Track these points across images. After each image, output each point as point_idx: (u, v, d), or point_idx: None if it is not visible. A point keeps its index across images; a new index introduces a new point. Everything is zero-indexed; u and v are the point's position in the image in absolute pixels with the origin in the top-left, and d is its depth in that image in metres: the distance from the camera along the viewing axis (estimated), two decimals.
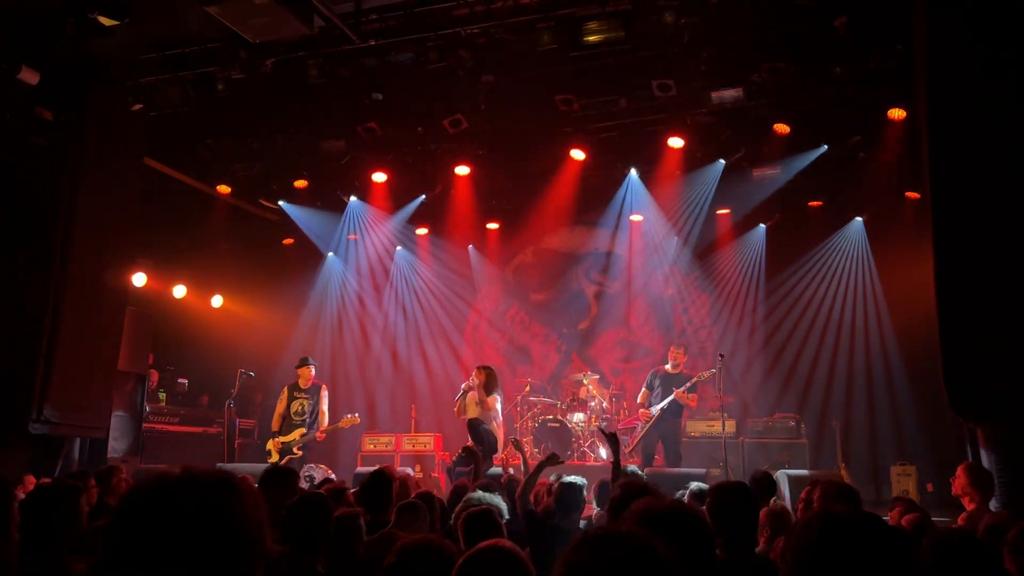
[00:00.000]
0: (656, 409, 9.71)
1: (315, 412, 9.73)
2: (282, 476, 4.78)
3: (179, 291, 12.25)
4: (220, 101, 9.31)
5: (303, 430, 9.59)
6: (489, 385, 9.03)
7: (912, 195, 10.11)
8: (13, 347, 8.61)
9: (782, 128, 9.64)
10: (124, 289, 9.85)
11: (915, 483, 9.69)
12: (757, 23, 8.53)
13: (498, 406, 9.11)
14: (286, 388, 9.97)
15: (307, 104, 10.00)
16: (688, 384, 9.59)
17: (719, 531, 3.08)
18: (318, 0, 7.16)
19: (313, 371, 9.99)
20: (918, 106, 7.37)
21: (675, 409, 9.73)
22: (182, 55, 8.95)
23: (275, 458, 9.42)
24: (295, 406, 9.75)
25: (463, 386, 9.33)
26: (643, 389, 10.15)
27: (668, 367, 9.99)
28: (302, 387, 9.85)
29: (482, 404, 8.89)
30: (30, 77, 8.61)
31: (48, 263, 8.84)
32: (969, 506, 5.26)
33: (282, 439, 9.58)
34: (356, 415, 9.91)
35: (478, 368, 9.24)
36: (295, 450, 9.49)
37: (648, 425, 9.78)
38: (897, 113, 9.02)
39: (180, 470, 1.41)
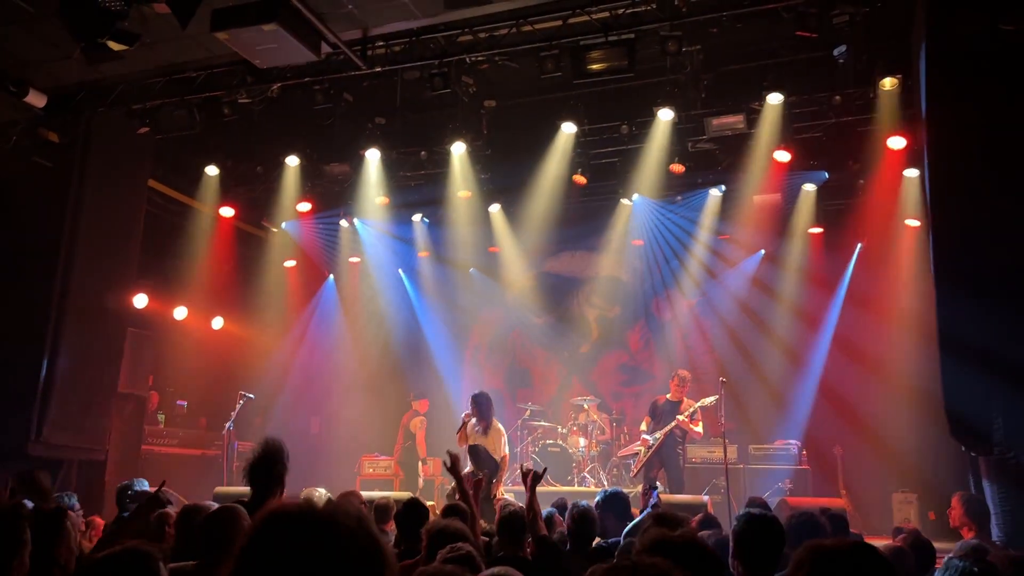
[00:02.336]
0: (653, 437, 9.73)
1: None
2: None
3: (180, 313, 12.25)
4: (226, 125, 9.40)
5: None
6: (481, 412, 8.69)
7: (912, 223, 10.16)
8: (13, 368, 8.61)
9: (782, 155, 9.71)
10: (125, 311, 9.86)
11: (917, 511, 9.64)
12: (758, 52, 8.65)
13: (500, 427, 8.89)
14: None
15: (312, 128, 10.09)
16: (689, 411, 9.58)
17: (742, 559, 3.09)
18: (326, 27, 7.25)
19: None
20: (918, 135, 7.45)
21: (677, 436, 9.71)
22: (189, 79, 9.05)
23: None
24: None
25: (463, 417, 9.20)
26: (646, 416, 10.15)
27: (669, 395, 10.01)
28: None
29: (482, 432, 8.70)
30: (37, 100, 8.72)
31: (50, 284, 8.88)
32: (967, 535, 5.25)
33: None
34: None
35: (471, 398, 9.08)
36: None
37: (649, 452, 9.77)
38: (897, 142, 9.08)
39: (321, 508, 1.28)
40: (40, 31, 7.69)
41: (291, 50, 7.01)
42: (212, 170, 10.84)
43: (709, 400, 9.64)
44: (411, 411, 11.96)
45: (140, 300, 10.93)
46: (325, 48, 7.60)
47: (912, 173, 9.66)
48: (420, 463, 11.16)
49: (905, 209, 10.12)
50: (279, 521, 1.25)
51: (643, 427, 10.14)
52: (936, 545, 4.59)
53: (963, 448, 6.51)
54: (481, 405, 8.67)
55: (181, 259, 11.78)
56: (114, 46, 6.74)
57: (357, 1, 7.33)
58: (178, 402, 12.50)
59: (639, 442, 10.05)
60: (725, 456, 9.30)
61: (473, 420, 8.68)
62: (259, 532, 1.25)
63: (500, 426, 8.75)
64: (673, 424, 9.62)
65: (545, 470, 5.59)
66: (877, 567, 1.79)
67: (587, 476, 11.09)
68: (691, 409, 9.59)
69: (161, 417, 11.78)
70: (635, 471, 10.03)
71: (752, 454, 10.80)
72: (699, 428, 9.78)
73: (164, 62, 8.62)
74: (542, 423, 11.83)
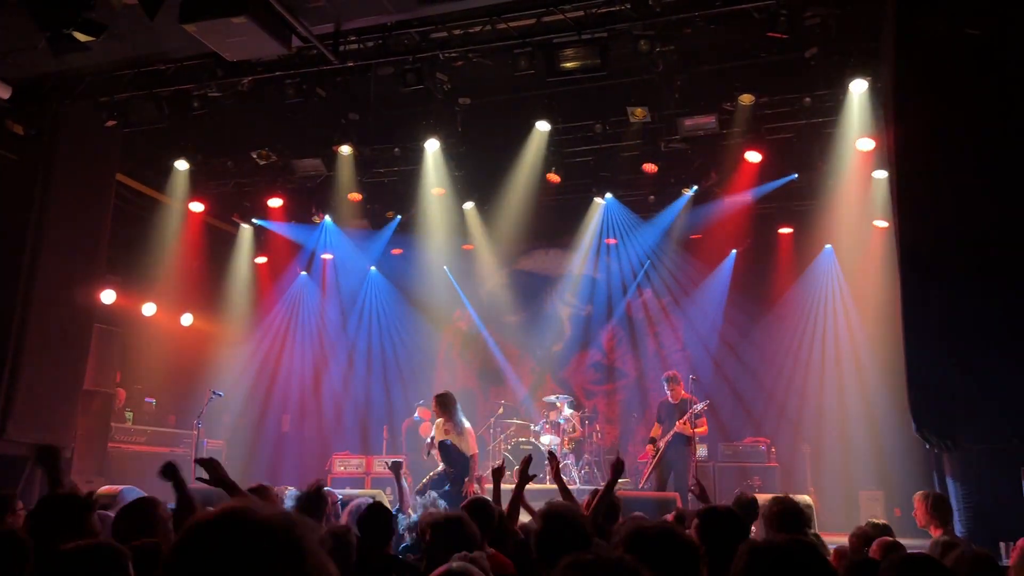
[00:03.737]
0: (656, 446, 9.94)
1: None
2: None
3: (149, 309, 12.09)
4: (195, 119, 9.28)
5: None
6: (445, 411, 8.54)
7: (880, 224, 10.30)
8: None
9: (753, 156, 9.80)
10: (92, 306, 9.71)
11: (883, 508, 9.79)
12: (730, 53, 8.71)
13: (467, 426, 8.76)
14: None
15: (283, 123, 10.00)
16: (688, 415, 9.72)
17: (707, 555, 3.11)
18: (297, 21, 7.18)
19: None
20: (887, 137, 7.55)
21: (682, 439, 9.83)
22: (158, 72, 8.91)
23: None
24: None
25: (418, 412, 9.25)
26: (655, 423, 10.32)
27: (669, 397, 10.14)
28: None
29: (454, 430, 8.57)
30: (2, 91, 8.53)
31: (15, 278, 8.71)
32: (935, 533, 5.32)
33: None
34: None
35: (435, 399, 8.75)
36: None
37: (656, 458, 9.92)
38: (865, 144, 9.20)
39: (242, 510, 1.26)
40: (5, 20, 7.53)
41: (261, 43, 6.92)
42: (182, 164, 10.72)
43: (700, 405, 9.78)
44: (414, 417, 11.90)
45: (108, 296, 10.78)
46: (296, 42, 7.52)
47: (880, 175, 9.79)
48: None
49: (873, 210, 10.26)
50: (199, 531, 1.25)
51: (652, 433, 10.29)
52: (903, 542, 4.64)
53: (927, 445, 6.61)
54: (448, 406, 8.51)
55: (150, 255, 11.63)
56: (81, 37, 6.63)
57: None
58: (146, 399, 12.34)
59: (647, 448, 10.27)
60: (694, 454, 9.37)
61: (440, 420, 8.60)
62: (180, 543, 1.25)
63: (468, 425, 8.70)
64: (673, 430, 9.79)
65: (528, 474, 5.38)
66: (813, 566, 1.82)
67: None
68: (689, 413, 9.73)
69: (129, 415, 11.62)
70: (643, 479, 10.15)
71: (722, 452, 10.91)
72: (699, 428, 9.88)
73: (132, 54, 8.47)
74: (515, 421, 11.84)
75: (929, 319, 6.42)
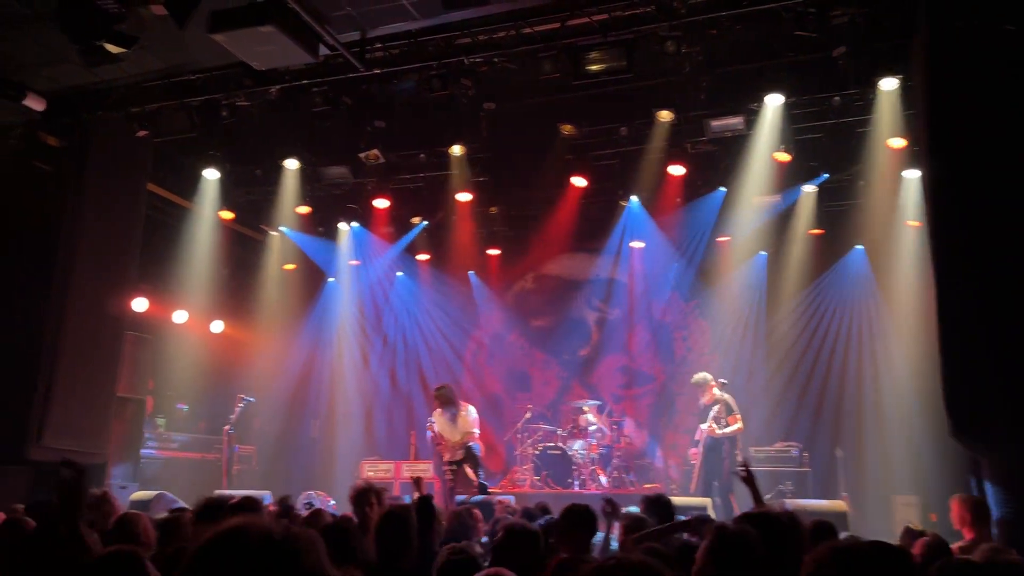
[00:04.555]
0: (699, 448, 9.99)
1: None
2: None
3: (180, 316, 12.23)
4: (224, 128, 9.38)
5: None
6: (447, 402, 9.69)
7: (912, 224, 10.14)
8: (13, 372, 8.59)
9: (782, 156, 9.69)
10: (124, 314, 9.83)
11: (919, 513, 9.61)
12: (757, 53, 8.62)
13: (472, 416, 9.71)
14: None
15: (310, 131, 10.08)
16: (711, 419, 9.75)
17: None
18: (324, 29, 7.24)
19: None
20: (918, 136, 7.43)
21: (710, 443, 9.81)
22: (188, 82, 9.03)
23: None
24: None
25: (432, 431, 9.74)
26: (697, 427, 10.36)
27: (703, 401, 10.17)
28: None
29: (451, 420, 9.24)
30: (36, 103, 8.69)
31: (49, 287, 8.85)
32: (968, 536, 5.22)
33: None
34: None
35: (435, 394, 9.93)
36: None
37: (697, 465, 9.98)
38: (896, 143, 9.06)
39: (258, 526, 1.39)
40: (38, 34, 7.67)
41: (288, 52, 6.98)
42: (211, 173, 10.84)
43: (715, 408, 9.75)
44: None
45: (140, 304, 10.92)
46: (323, 50, 7.57)
47: (912, 174, 9.64)
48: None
49: (905, 210, 10.11)
50: (218, 542, 1.39)
51: (697, 435, 10.28)
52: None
53: (964, 448, 6.49)
54: (439, 398, 9.68)
55: (180, 263, 11.77)
56: (112, 49, 6.74)
57: (355, 3, 7.31)
58: (178, 405, 12.49)
59: (691, 453, 10.36)
60: (725, 459, 9.28)
61: (439, 410, 9.47)
62: (200, 552, 1.40)
63: (471, 416, 9.57)
64: (702, 434, 9.83)
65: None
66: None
67: (587, 479, 11.06)
68: (711, 413, 9.76)
69: (162, 421, 11.76)
70: (693, 485, 10.11)
71: (753, 456, 10.78)
72: (729, 427, 9.80)
73: (162, 65, 8.59)
74: (542, 426, 11.80)
75: (965, 320, 6.29)
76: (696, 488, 9.95)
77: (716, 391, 9.96)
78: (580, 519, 4.32)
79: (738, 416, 9.87)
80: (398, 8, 7.49)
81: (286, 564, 1.35)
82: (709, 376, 10.26)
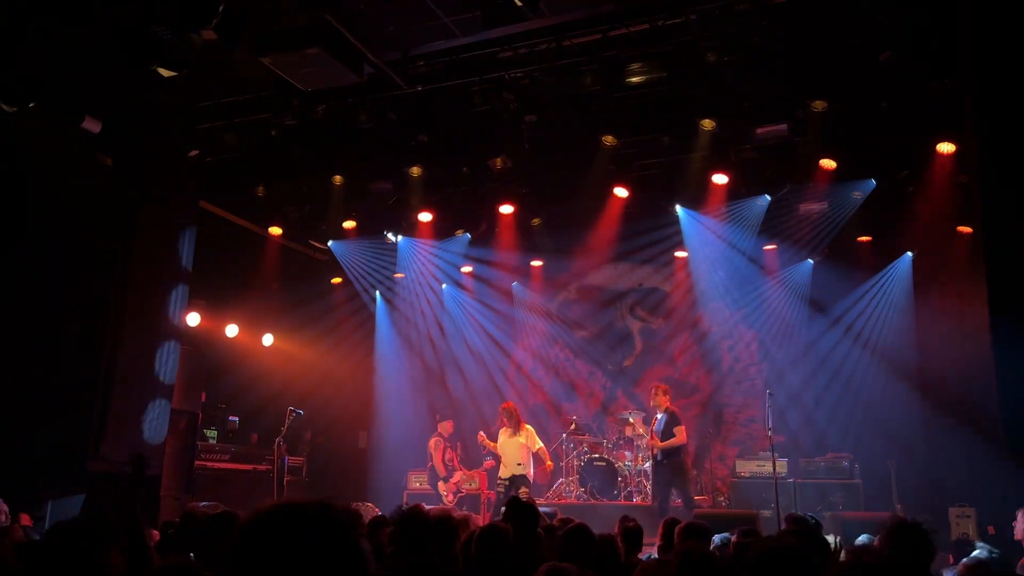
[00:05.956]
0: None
1: None
2: None
3: (231, 330, 12.50)
4: (272, 146, 9.61)
5: None
6: (511, 420, 10.34)
7: (964, 229, 9.90)
8: (71, 386, 8.87)
9: (828, 163, 9.56)
10: (178, 329, 10.10)
11: (975, 525, 9.35)
12: (800, 60, 8.53)
13: (535, 438, 10.40)
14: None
15: (356, 147, 10.25)
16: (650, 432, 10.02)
17: None
18: (367, 49, 7.38)
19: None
20: (968, 140, 7.28)
21: (664, 453, 9.82)
22: (237, 103, 9.29)
23: None
24: None
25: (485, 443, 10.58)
26: None
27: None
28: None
29: (519, 440, 10.05)
30: (93, 126, 9.01)
31: (106, 303, 9.14)
32: None
33: None
34: None
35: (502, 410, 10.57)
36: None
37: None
38: (946, 147, 8.88)
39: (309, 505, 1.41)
40: (94, 59, 7.95)
41: (334, 72, 7.15)
42: (260, 191, 11.09)
43: (634, 417, 10.72)
44: (436, 432, 11.93)
45: (193, 318, 11.19)
46: (367, 69, 7.72)
47: (962, 179, 9.43)
48: (440, 481, 11.18)
49: (955, 216, 9.86)
50: (263, 521, 1.38)
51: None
52: None
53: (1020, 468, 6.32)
54: (510, 413, 10.42)
55: (231, 278, 12.05)
56: (165, 72, 6.96)
57: (398, 23, 7.45)
58: (230, 418, 12.73)
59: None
60: (774, 470, 9.15)
61: (506, 428, 10.34)
62: (246, 530, 1.38)
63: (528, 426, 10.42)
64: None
65: None
66: None
67: (633, 491, 10.99)
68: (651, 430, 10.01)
69: (213, 433, 12.01)
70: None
71: (803, 468, 10.61)
72: (673, 439, 9.76)
73: (212, 86, 8.84)
74: (587, 437, 11.77)
75: (1020, 329, 6.13)
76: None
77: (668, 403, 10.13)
78: None
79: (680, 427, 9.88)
80: (440, 26, 7.62)
81: (339, 535, 1.36)
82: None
